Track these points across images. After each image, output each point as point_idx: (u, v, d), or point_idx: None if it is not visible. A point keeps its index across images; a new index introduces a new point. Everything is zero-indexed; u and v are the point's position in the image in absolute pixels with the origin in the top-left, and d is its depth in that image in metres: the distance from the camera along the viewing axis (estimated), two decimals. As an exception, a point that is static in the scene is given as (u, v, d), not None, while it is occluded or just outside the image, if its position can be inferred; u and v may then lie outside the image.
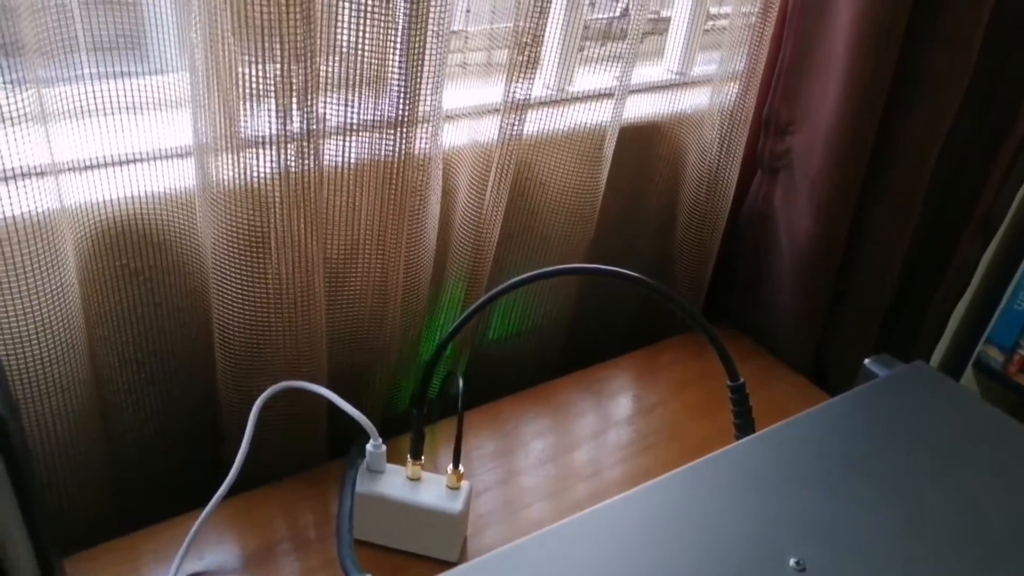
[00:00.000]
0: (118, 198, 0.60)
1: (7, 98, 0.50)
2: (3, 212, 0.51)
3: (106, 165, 0.60)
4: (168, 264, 0.63)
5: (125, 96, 0.59)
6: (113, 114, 0.59)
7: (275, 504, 0.65)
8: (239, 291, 0.61)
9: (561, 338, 0.90)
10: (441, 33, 0.61)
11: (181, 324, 0.66)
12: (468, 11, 0.79)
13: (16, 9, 0.48)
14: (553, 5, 0.68)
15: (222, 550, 0.61)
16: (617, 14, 0.90)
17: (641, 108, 0.86)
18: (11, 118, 0.50)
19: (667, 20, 0.93)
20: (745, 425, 0.54)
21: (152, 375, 0.67)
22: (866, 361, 0.58)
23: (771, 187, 0.84)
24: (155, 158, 0.62)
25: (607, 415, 0.80)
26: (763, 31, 0.80)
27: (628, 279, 0.55)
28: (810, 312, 0.83)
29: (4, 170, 0.51)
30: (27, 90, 0.51)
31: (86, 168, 0.59)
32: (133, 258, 0.62)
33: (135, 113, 0.60)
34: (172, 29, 0.59)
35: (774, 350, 0.89)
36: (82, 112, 0.57)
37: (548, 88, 0.82)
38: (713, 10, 0.95)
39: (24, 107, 0.50)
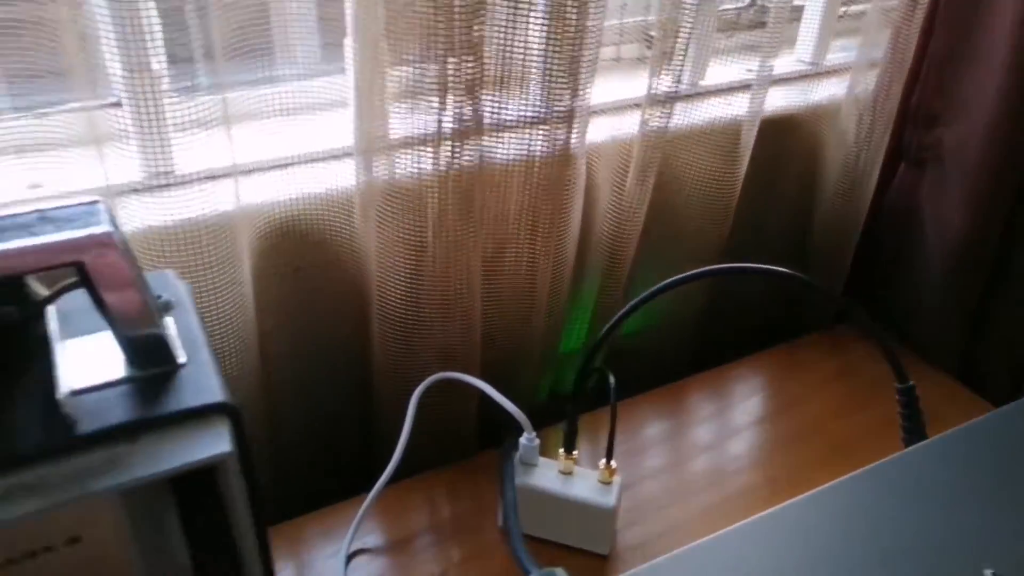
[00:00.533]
0: (282, 199, 0.63)
1: (195, 104, 0.53)
2: (190, 212, 0.55)
3: (271, 168, 0.63)
4: (326, 261, 0.66)
5: (280, 100, 0.61)
6: (271, 117, 0.62)
7: (430, 492, 0.67)
8: (399, 286, 0.63)
9: (690, 335, 0.89)
10: (594, 29, 0.62)
11: (338, 319, 0.69)
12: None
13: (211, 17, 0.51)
14: None
15: (382, 534, 0.63)
16: (745, 3, 0.89)
17: (774, 100, 0.85)
18: (200, 122, 0.53)
19: (800, 8, 0.90)
20: (914, 429, 0.53)
21: (310, 368, 0.70)
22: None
23: (917, 180, 0.81)
24: (315, 160, 0.64)
25: (744, 413, 0.79)
26: (912, 16, 0.77)
27: (784, 278, 0.54)
28: (959, 311, 0.80)
29: (194, 172, 0.55)
30: (213, 94, 0.54)
31: (255, 171, 0.62)
32: (295, 256, 0.65)
33: (293, 115, 0.63)
34: (315, 32, 0.62)
35: (916, 349, 0.86)
36: (244, 117, 0.60)
37: (682, 83, 0.82)
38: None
39: (210, 112, 0.54)
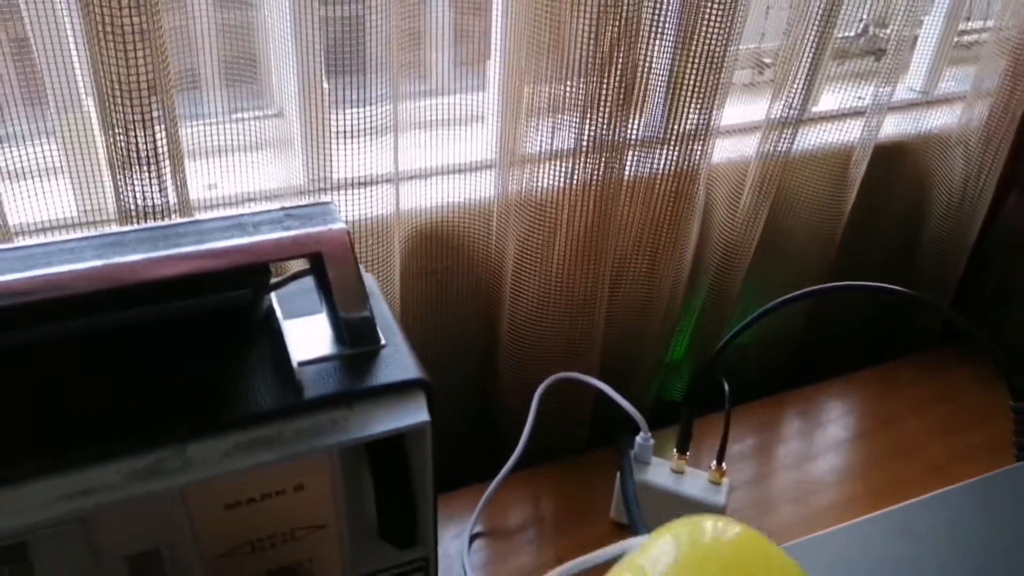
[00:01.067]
0: (428, 206, 0.69)
1: (363, 113, 0.59)
2: (357, 213, 0.61)
3: (420, 177, 0.69)
4: (461, 265, 0.72)
5: (424, 113, 0.68)
6: (413, 130, 0.68)
7: (546, 484, 0.72)
8: (531, 290, 0.68)
9: (791, 353, 0.92)
10: (727, 52, 0.66)
11: (470, 318, 0.74)
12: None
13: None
14: (809, 23, 0.71)
15: (502, 520, 0.69)
16: (859, 31, 0.92)
17: (884, 127, 0.87)
18: (364, 131, 0.60)
19: (915, 38, 0.93)
20: (1026, 445, 0.55)
21: (441, 362, 0.76)
22: None
23: (1029, 210, 0.82)
24: (460, 171, 0.70)
25: (843, 428, 0.82)
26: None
27: (900, 295, 0.57)
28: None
29: (352, 177, 0.61)
30: (384, 105, 0.60)
31: (409, 178, 0.69)
32: (436, 258, 0.71)
33: (438, 129, 0.70)
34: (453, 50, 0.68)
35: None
36: (403, 126, 0.67)
37: (797, 108, 0.85)
38: (962, 26, 0.94)
39: (374, 122, 0.60)
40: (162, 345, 0.39)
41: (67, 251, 0.35)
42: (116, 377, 0.38)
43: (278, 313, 0.42)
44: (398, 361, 0.41)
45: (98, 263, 0.34)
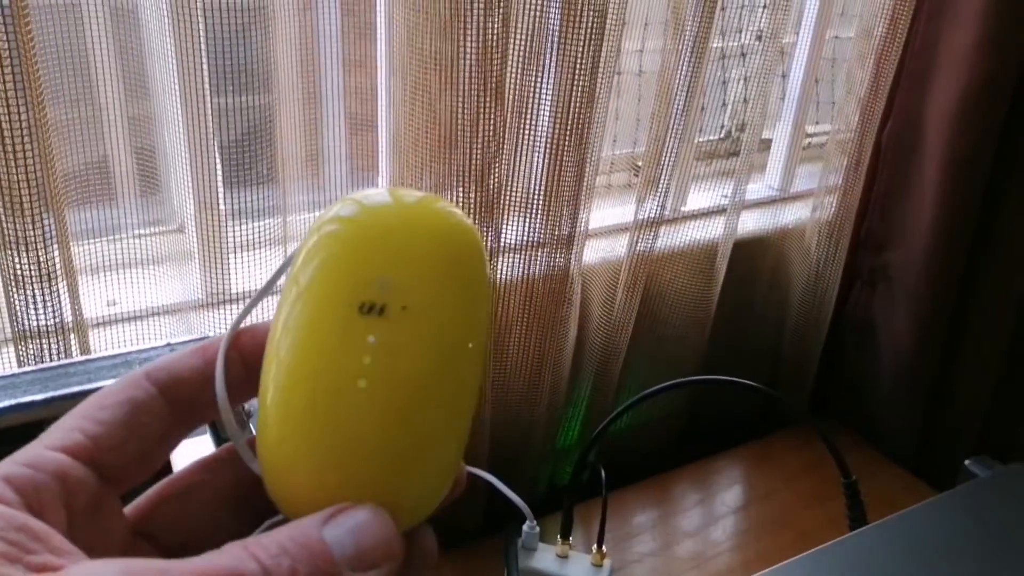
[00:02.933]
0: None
1: (248, 226, 0.64)
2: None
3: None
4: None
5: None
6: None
7: (441, 573, 0.75)
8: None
9: (676, 430, 0.99)
10: (593, 160, 0.73)
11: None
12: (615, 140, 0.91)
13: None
14: (672, 130, 0.79)
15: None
16: (722, 136, 1.02)
17: (746, 223, 0.96)
18: (266, 242, 0.64)
19: (768, 140, 1.04)
20: (858, 517, 0.62)
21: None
22: (966, 462, 0.65)
23: (870, 296, 0.92)
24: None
25: (724, 503, 0.88)
26: (861, 146, 0.90)
27: (750, 389, 0.65)
28: (911, 412, 0.90)
29: (243, 291, 0.65)
30: (274, 217, 0.65)
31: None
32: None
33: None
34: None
35: (877, 444, 0.96)
36: (295, 238, 0.71)
37: (666, 208, 0.94)
38: (811, 129, 1.05)
39: (273, 233, 0.65)
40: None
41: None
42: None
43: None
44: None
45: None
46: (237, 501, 0.24)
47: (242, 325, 0.24)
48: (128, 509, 0.23)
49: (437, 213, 0.23)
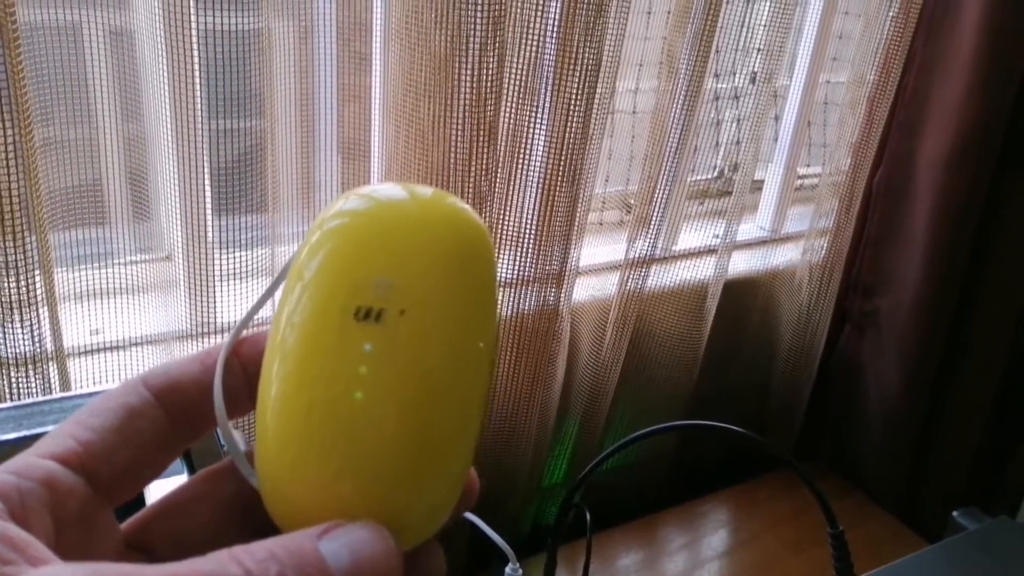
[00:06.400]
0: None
1: (236, 255, 0.63)
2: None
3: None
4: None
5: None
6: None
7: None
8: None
9: (664, 471, 0.98)
10: (585, 198, 0.73)
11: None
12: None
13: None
14: (665, 169, 0.79)
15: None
16: (715, 176, 1.02)
17: (737, 264, 0.96)
18: (239, 273, 0.64)
19: (760, 182, 1.04)
20: (845, 570, 0.61)
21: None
22: (954, 514, 0.65)
23: (859, 341, 0.92)
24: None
25: (709, 547, 0.87)
26: (852, 189, 0.90)
27: (736, 435, 0.64)
28: (899, 456, 0.90)
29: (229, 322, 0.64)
30: (262, 247, 0.64)
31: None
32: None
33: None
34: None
35: (865, 489, 0.95)
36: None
37: (656, 247, 0.94)
38: (802, 171, 1.06)
39: (255, 263, 0.64)
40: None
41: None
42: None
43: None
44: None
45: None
46: (239, 515, 0.23)
47: (244, 333, 0.23)
48: (124, 524, 0.22)
49: (446, 209, 0.21)
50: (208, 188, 0.62)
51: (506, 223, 0.71)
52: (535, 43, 0.65)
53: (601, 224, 0.97)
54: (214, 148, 0.60)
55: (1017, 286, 0.86)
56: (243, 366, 0.23)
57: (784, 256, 0.98)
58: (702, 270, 0.89)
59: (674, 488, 0.99)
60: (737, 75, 0.91)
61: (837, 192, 0.92)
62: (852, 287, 0.93)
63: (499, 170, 0.69)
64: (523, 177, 0.70)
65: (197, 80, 0.57)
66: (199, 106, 0.58)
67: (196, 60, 0.56)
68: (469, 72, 0.61)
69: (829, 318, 0.92)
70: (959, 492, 0.94)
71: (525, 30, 0.65)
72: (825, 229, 0.94)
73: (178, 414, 0.22)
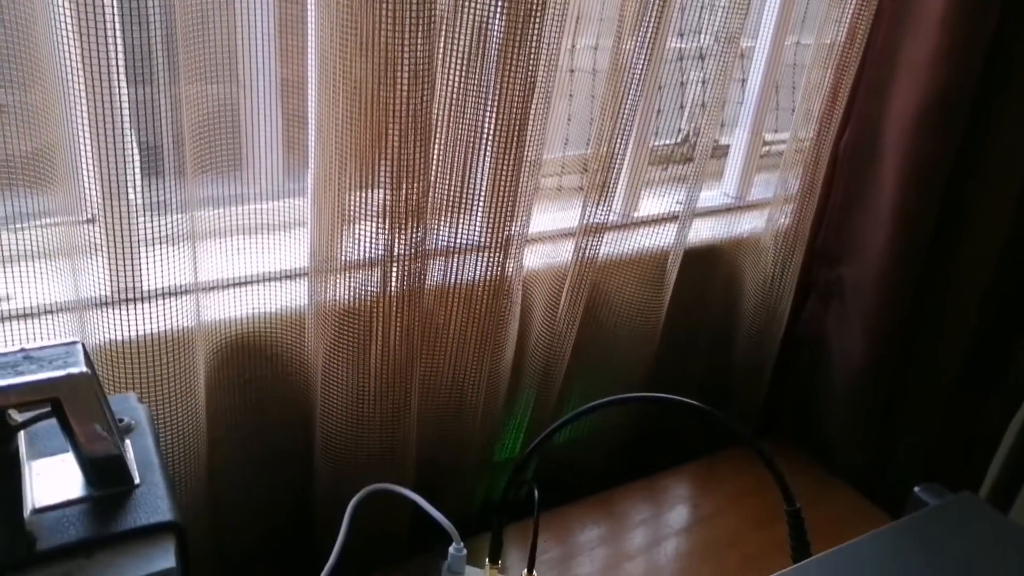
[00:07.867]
0: (239, 316, 0.68)
1: (159, 221, 0.59)
2: (152, 327, 0.60)
3: (229, 286, 0.68)
4: (276, 374, 0.71)
5: (243, 219, 0.67)
6: (228, 236, 0.68)
7: (361, 597, 0.70)
8: (343, 399, 0.68)
9: (623, 445, 0.95)
10: (535, 161, 0.69)
11: (284, 428, 0.73)
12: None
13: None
14: (623, 132, 0.75)
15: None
16: (679, 140, 0.98)
17: (700, 232, 0.93)
18: (167, 239, 0.59)
19: (726, 147, 1.00)
20: (800, 548, 0.58)
21: (257, 475, 0.74)
22: (916, 489, 0.62)
23: (824, 311, 0.89)
24: (272, 279, 0.70)
25: (668, 523, 0.84)
26: (818, 155, 0.87)
27: (692, 409, 0.61)
28: (863, 430, 0.87)
29: (152, 289, 0.60)
30: (183, 212, 0.60)
31: (215, 288, 0.68)
32: (247, 368, 0.70)
33: (250, 236, 0.69)
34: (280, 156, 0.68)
35: (828, 463, 0.93)
36: (208, 234, 0.66)
37: (614, 213, 0.90)
38: (769, 136, 1.02)
39: (177, 229, 0.59)
40: None
41: None
42: None
43: (23, 456, 0.40)
44: (151, 502, 0.40)
45: None
46: None
47: None
48: None
49: None
50: (133, 150, 0.57)
51: (452, 188, 0.67)
52: (479, -6, 0.61)
53: (560, 189, 0.93)
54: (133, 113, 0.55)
55: (987, 254, 0.83)
56: None
57: (749, 224, 0.95)
58: (663, 237, 0.86)
59: (634, 463, 0.96)
60: (702, 34, 0.87)
61: (803, 157, 0.88)
62: (817, 255, 0.90)
63: (440, 132, 0.65)
64: (466, 139, 0.66)
65: (119, 40, 0.52)
66: (119, 69, 0.53)
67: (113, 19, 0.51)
68: (412, 29, 0.57)
69: (793, 288, 0.89)
70: (923, 466, 0.92)
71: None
72: (791, 196, 0.90)
73: None
